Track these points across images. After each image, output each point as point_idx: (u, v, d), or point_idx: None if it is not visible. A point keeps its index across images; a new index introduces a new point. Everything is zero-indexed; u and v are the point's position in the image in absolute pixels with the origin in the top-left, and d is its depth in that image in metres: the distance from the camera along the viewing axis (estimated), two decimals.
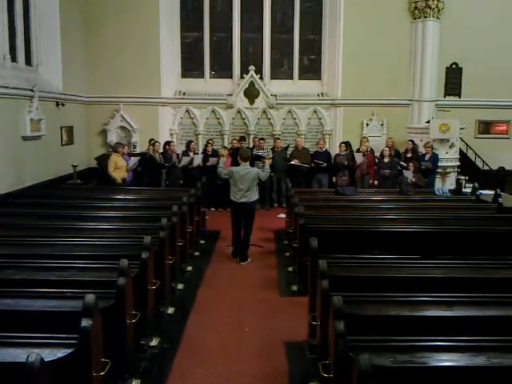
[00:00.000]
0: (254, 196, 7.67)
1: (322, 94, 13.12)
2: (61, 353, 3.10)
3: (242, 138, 12.05)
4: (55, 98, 10.60)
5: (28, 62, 10.33)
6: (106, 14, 12.18)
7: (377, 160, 11.29)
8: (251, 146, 12.23)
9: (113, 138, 12.42)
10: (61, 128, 10.97)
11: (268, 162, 8.28)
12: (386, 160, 10.84)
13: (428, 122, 11.62)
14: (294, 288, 6.59)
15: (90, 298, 3.27)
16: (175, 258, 6.26)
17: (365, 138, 11.90)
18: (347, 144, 11.64)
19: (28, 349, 3.04)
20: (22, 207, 7.68)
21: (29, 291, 3.97)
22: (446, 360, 3.09)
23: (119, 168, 10.00)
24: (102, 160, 11.18)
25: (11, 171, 8.89)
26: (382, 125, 12.79)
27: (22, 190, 9.01)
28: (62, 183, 10.45)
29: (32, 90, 9.38)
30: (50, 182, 10.16)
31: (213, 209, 11.25)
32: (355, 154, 11.46)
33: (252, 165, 7.88)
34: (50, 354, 3.07)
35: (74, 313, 3.39)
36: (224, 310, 5.91)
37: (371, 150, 11.61)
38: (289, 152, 12.01)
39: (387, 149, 11.01)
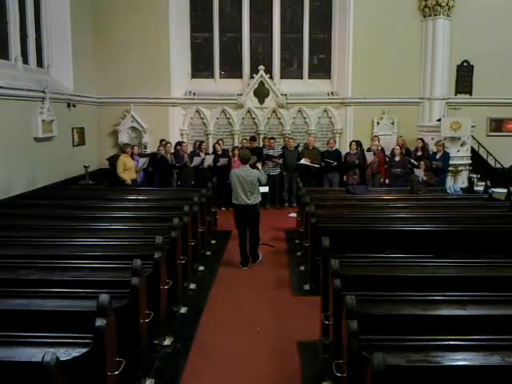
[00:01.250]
0: (257, 197, 7.55)
1: (332, 92, 13.09)
2: (76, 352, 3.12)
3: (252, 138, 12.05)
4: (66, 99, 10.68)
5: (39, 63, 10.42)
6: (116, 15, 12.24)
7: (387, 159, 11.25)
8: (261, 145, 12.25)
9: (124, 138, 12.50)
10: (72, 129, 11.05)
11: (260, 166, 8.11)
12: (397, 159, 10.79)
13: (439, 120, 11.56)
14: (306, 287, 6.58)
15: (104, 297, 3.29)
16: (187, 257, 6.28)
17: (375, 136, 11.86)
18: (358, 143, 11.62)
19: (43, 348, 3.06)
20: (35, 208, 7.75)
21: (43, 291, 3.99)
22: (461, 359, 3.07)
23: (128, 169, 10.05)
24: (114, 161, 11.23)
25: (24, 172, 8.97)
26: (392, 123, 12.73)
27: (34, 191, 9.09)
28: (73, 184, 10.54)
29: (43, 92, 9.46)
30: (62, 183, 10.26)
31: (223, 208, 11.26)
32: (366, 152, 11.43)
33: (253, 166, 7.73)
34: (65, 354, 3.09)
35: (89, 312, 3.41)
36: (236, 310, 5.92)
37: (382, 148, 11.57)
38: (299, 151, 12.00)
39: (398, 147, 10.96)
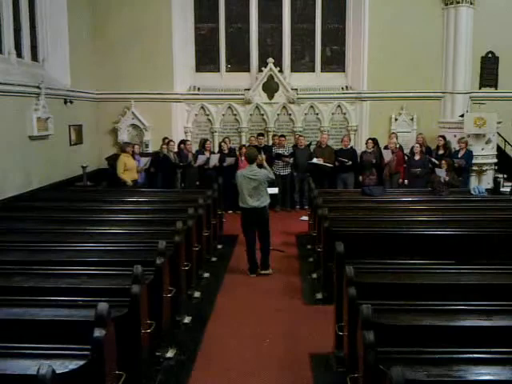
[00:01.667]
0: (265, 200, 7.47)
1: (346, 87, 13.07)
2: (73, 364, 3.13)
3: (260, 134, 12.05)
4: (63, 95, 10.74)
5: (34, 57, 10.48)
6: (115, 6, 12.30)
7: (406, 157, 11.22)
8: (270, 143, 12.25)
9: (124, 136, 12.55)
10: (69, 127, 11.11)
11: (266, 164, 8.03)
12: (417, 157, 10.75)
13: (462, 115, 11.49)
14: (319, 296, 6.58)
15: (103, 306, 3.30)
16: (191, 263, 6.30)
17: (393, 133, 11.81)
18: (374, 140, 11.58)
19: (38, 360, 3.08)
20: (30, 211, 7.81)
21: (38, 299, 4.02)
22: (485, 373, 3.05)
23: (129, 169, 10.08)
24: (113, 160, 11.28)
25: (18, 173, 9.03)
26: (411, 119, 12.68)
27: (29, 193, 9.14)
28: (70, 185, 10.59)
29: (38, 87, 9.51)
30: (58, 184, 10.31)
31: (230, 211, 11.27)
32: (383, 151, 11.40)
33: (271, 165, 7.70)
34: (62, 366, 3.10)
35: (86, 322, 3.43)
36: (244, 320, 5.92)
37: (400, 146, 11.54)
38: (311, 150, 11.99)
39: (418, 145, 10.92)
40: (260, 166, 7.72)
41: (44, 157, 9.84)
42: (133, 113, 12.56)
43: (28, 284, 4.47)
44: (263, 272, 7.52)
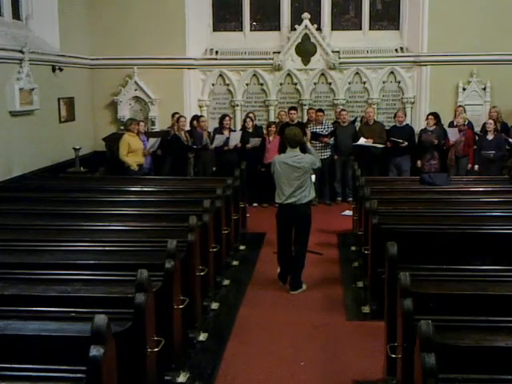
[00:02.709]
0: (308, 195, 7.24)
1: (401, 48, 12.94)
2: None
3: (293, 109, 11.98)
4: (51, 61, 10.84)
5: (15, 14, 10.56)
6: None
7: (477, 137, 11.09)
8: (305, 120, 12.21)
9: (125, 112, 12.65)
10: (58, 100, 11.23)
11: (309, 146, 7.92)
12: (490, 137, 10.64)
13: None
14: (366, 310, 6.57)
15: (101, 319, 3.34)
16: (208, 268, 6.33)
17: (460, 107, 11.68)
18: (436, 116, 11.46)
19: None
20: (11, 203, 7.92)
21: (22, 310, 4.08)
22: None
23: (134, 151, 10.18)
24: (112, 141, 11.38)
25: None
26: (483, 89, 12.50)
27: (9, 182, 9.28)
28: (61, 172, 10.69)
29: (21, 52, 9.61)
30: (45, 171, 10.45)
31: (255, 204, 11.30)
32: (447, 129, 11.30)
33: (304, 149, 7.45)
34: None
35: (81, 338, 3.49)
36: (272, 338, 5.94)
37: (469, 123, 11.41)
38: (356, 128, 11.93)
39: (491, 121, 10.79)
40: (303, 149, 7.46)
41: (28, 137, 9.97)
42: (136, 83, 12.64)
43: (10, 292, 4.53)
44: (293, 293, 7.23)
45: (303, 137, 7.56)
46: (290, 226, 7.34)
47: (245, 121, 11.88)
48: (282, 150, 7.18)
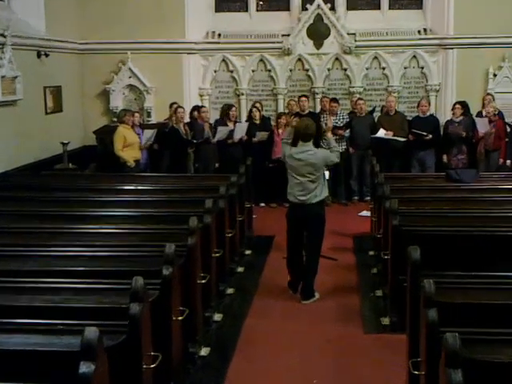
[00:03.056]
0: (320, 193, 7.21)
1: (424, 30, 12.92)
2: None
3: (304, 97, 11.95)
4: (36, 46, 10.85)
5: None
6: None
7: (509, 128, 11.06)
8: (317, 110, 12.20)
9: (118, 102, 12.68)
10: (44, 89, 11.25)
11: (330, 136, 7.96)
12: None
13: None
14: (385, 321, 6.57)
15: (92, 332, 3.34)
16: (210, 275, 6.34)
17: (490, 95, 11.66)
18: (464, 105, 11.44)
19: None
20: None
21: (5, 322, 4.08)
22: None
23: (130, 145, 10.22)
24: (104, 134, 11.40)
25: None
26: None
27: None
28: (47, 168, 10.69)
29: (3, 35, 9.61)
30: (30, 167, 10.46)
31: (263, 204, 11.30)
32: (476, 119, 11.27)
33: (318, 143, 7.36)
34: None
35: (70, 353, 3.49)
36: (280, 353, 5.94)
37: (500, 113, 11.37)
38: (375, 118, 11.92)
39: None
40: (317, 143, 7.35)
41: (11, 130, 9.99)
42: (130, 69, 12.66)
43: None
44: (305, 303, 7.23)
45: (322, 128, 7.51)
46: (300, 227, 7.34)
47: (252, 110, 11.87)
48: (293, 142, 7.14)
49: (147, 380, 4.21)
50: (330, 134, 7.91)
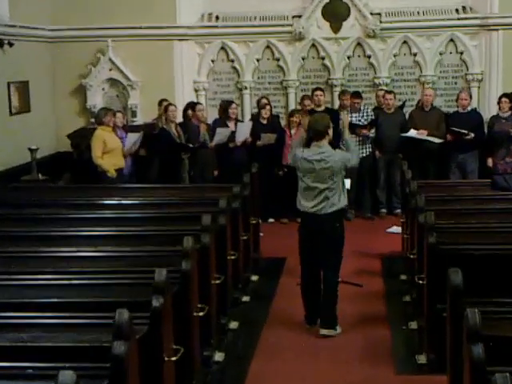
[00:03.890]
0: (338, 202, 7.17)
1: (463, 8, 12.94)
2: None
3: (319, 90, 11.92)
4: None
5: None
6: None
7: None
8: (336, 106, 12.22)
9: (97, 99, 12.73)
10: (8, 85, 11.30)
11: (348, 136, 7.95)
12: None
13: None
14: (422, 360, 6.55)
15: (68, 377, 3.35)
16: (209, 306, 6.34)
17: None
18: None
19: None
20: None
21: None
22: None
23: (111, 151, 10.22)
24: (80, 139, 11.43)
25: None
26: None
27: None
28: (13, 180, 10.72)
29: None
30: None
31: (271, 219, 11.31)
32: None
33: (335, 144, 7.35)
34: None
35: None
36: None
37: None
38: (406, 115, 11.94)
39: None
40: (333, 144, 7.42)
41: None
42: (110, 60, 12.71)
43: None
44: (324, 333, 7.21)
45: (329, 128, 7.51)
46: (315, 243, 7.29)
47: (260, 104, 11.88)
48: (306, 142, 7.16)
49: None
50: (347, 134, 7.90)
